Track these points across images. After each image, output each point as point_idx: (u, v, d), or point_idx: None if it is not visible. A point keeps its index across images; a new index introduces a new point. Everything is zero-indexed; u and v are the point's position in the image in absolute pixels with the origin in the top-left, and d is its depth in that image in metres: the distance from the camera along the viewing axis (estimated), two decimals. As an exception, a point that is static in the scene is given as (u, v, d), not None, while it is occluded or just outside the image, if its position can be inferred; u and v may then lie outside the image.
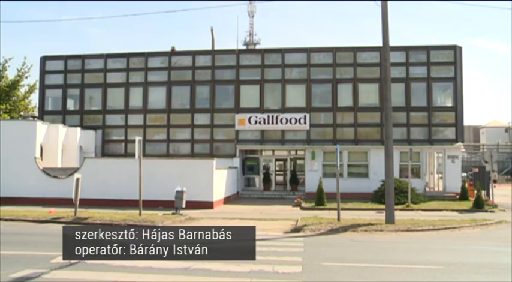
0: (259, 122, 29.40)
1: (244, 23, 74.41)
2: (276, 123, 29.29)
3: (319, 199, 22.76)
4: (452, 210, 21.67)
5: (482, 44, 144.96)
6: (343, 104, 29.36)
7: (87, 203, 19.66)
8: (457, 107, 28.58)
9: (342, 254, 11.16)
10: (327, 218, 16.82)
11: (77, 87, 31.35)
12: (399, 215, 17.18)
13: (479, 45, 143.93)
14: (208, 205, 21.67)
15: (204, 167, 22.44)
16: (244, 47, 58.51)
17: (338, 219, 16.24)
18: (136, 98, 30.79)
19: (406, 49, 29.23)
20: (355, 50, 29.62)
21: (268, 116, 29.38)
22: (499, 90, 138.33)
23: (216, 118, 30.00)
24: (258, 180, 30.62)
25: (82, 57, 31.57)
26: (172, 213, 18.28)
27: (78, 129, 28.30)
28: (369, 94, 29.63)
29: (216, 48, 33.78)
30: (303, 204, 23.21)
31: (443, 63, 29.16)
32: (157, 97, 30.74)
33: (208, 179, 22.19)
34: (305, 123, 29.01)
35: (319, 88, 29.88)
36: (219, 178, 23.66)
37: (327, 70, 29.70)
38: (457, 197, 26.01)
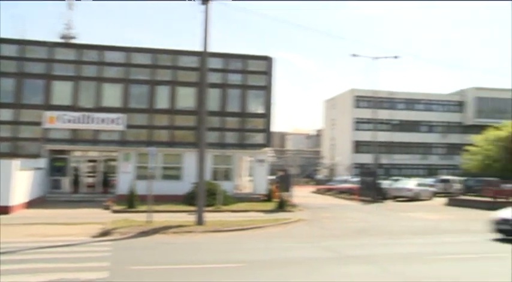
0: (71, 121, 27.70)
1: (62, 15, 68.80)
2: (90, 122, 27.86)
3: (131, 201, 22.21)
4: (258, 211, 23.06)
5: (284, 56, 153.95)
6: (160, 106, 29.29)
7: None
8: (267, 114, 30.84)
9: (151, 256, 11.03)
10: (138, 221, 16.49)
11: None
12: (209, 216, 17.72)
13: (283, 57, 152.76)
14: (4, 210, 19.39)
15: (1, 168, 20.04)
16: (61, 40, 54.17)
17: (149, 221, 16.07)
18: None
19: (225, 56, 30.57)
20: (176, 53, 29.85)
21: (82, 115, 27.79)
22: (302, 99, 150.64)
23: (22, 114, 27.31)
24: (67, 182, 28.58)
25: None
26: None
27: None
28: (187, 97, 30.12)
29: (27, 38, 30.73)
30: (115, 207, 22.35)
31: (257, 72, 31.29)
32: None
33: (6, 181, 19.87)
34: (121, 123, 28.12)
35: (138, 89, 29.39)
36: (21, 180, 21.37)
37: (146, 71, 29.38)
38: (264, 198, 27.91)
